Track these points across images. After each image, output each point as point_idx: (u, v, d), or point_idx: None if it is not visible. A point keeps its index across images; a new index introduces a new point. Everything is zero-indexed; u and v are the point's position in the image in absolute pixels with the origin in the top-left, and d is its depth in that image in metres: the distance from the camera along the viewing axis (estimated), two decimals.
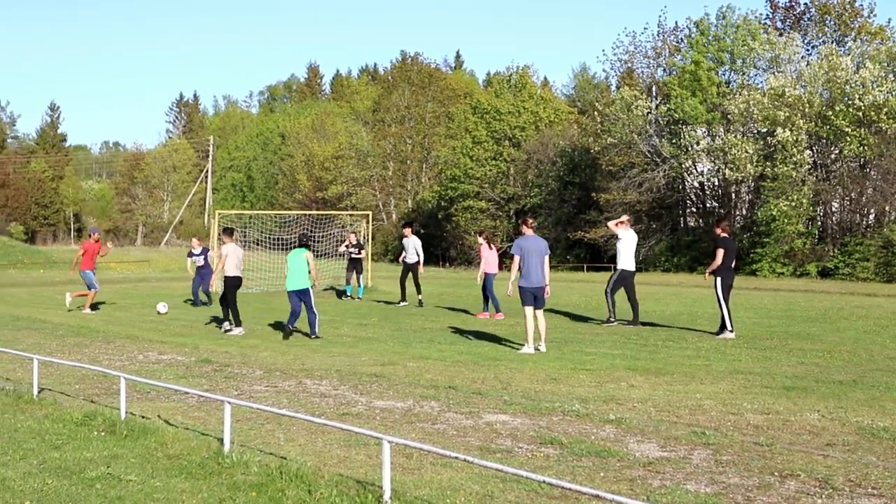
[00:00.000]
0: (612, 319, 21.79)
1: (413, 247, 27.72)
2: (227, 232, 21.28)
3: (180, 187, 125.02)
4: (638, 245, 23.70)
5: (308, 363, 14.60)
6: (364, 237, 37.41)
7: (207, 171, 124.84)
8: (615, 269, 22.52)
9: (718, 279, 18.74)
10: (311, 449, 8.75)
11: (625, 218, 22.96)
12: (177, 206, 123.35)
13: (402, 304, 27.88)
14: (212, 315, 24.04)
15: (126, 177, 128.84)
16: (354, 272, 30.96)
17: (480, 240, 24.91)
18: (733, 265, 19.24)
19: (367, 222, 38.24)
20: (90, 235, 27.90)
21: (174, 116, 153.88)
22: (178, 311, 25.95)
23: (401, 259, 28.84)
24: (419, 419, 10.11)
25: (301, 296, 19.48)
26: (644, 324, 21.52)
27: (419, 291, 27.74)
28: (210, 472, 7.90)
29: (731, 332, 18.64)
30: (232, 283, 20.41)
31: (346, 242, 31.46)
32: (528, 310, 16.49)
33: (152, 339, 18.50)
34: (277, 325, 21.41)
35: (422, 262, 28.01)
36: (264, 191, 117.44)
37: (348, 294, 31.03)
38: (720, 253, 18.76)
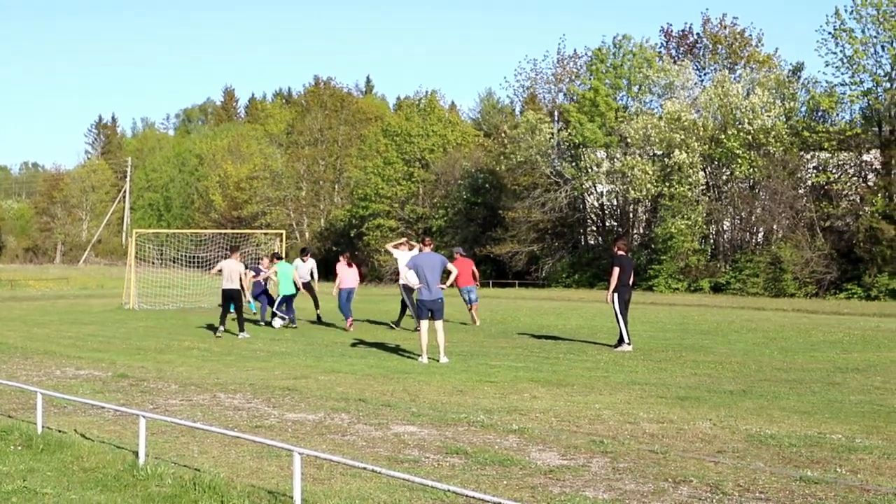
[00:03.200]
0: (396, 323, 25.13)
1: (309, 269, 28.02)
2: (232, 249, 24.98)
3: (98, 207, 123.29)
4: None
5: (222, 377, 14.68)
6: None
7: (125, 192, 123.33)
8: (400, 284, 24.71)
9: (615, 294, 19.22)
10: (225, 461, 8.82)
11: (403, 240, 25.77)
12: (95, 225, 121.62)
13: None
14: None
15: (45, 196, 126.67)
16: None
17: (341, 258, 26.43)
18: (630, 282, 19.72)
19: (281, 241, 38.31)
20: (458, 255, 26.90)
21: (93, 138, 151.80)
22: (95, 328, 25.72)
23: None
24: (330, 431, 10.24)
25: (287, 299, 25.67)
26: (545, 337, 21.99)
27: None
28: (125, 484, 7.95)
29: (629, 345, 19.07)
30: (225, 294, 23.52)
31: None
32: (424, 323, 17.30)
33: (70, 354, 18.38)
34: (197, 340, 21.46)
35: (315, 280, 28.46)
36: (181, 210, 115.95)
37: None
38: (616, 271, 19.18)
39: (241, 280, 23.59)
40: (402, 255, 24.20)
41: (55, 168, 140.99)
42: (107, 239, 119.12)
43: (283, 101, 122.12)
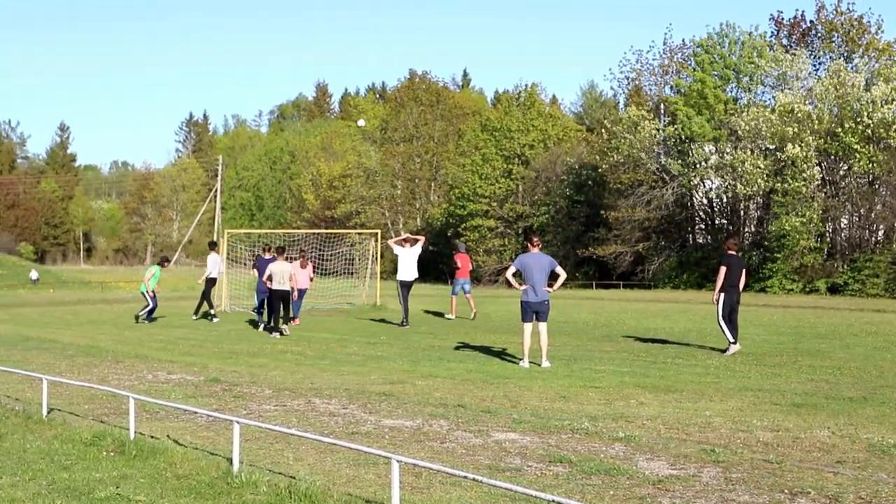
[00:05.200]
0: (404, 323, 26.33)
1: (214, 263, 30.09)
2: (279, 250, 25.11)
3: (189, 206, 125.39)
4: (420, 258, 27.74)
5: (317, 382, 14.56)
6: (372, 256, 37.63)
7: (216, 191, 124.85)
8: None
9: (722, 295, 18.70)
10: (321, 468, 8.72)
11: (404, 236, 28.23)
12: (186, 225, 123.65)
13: (215, 320, 29.40)
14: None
15: (135, 196, 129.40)
16: None
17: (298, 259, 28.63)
18: (741, 283, 19.17)
19: (376, 241, 38.34)
20: (461, 250, 30.77)
21: (184, 136, 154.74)
22: (187, 331, 25.95)
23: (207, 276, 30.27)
24: (428, 438, 10.08)
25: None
26: (652, 340, 21.55)
27: (210, 306, 30.11)
28: (219, 492, 7.89)
29: (735, 344, 18.55)
30: (276, 294, 24.00)
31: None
32: (527, 326, 16.88)
33: (161, 358, 18.48)
34: (291, 343, 21.46)
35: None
36: (273, 210, 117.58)
37: None
38: (723, 270, 18.68)
39: (290, 280, 24.42)
40: (402, 252, 26.81)
41: (145, 167, 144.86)
42: (198, 239, 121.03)
43: (377, 96, 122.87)
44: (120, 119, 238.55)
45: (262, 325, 25.89)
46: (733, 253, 19.17)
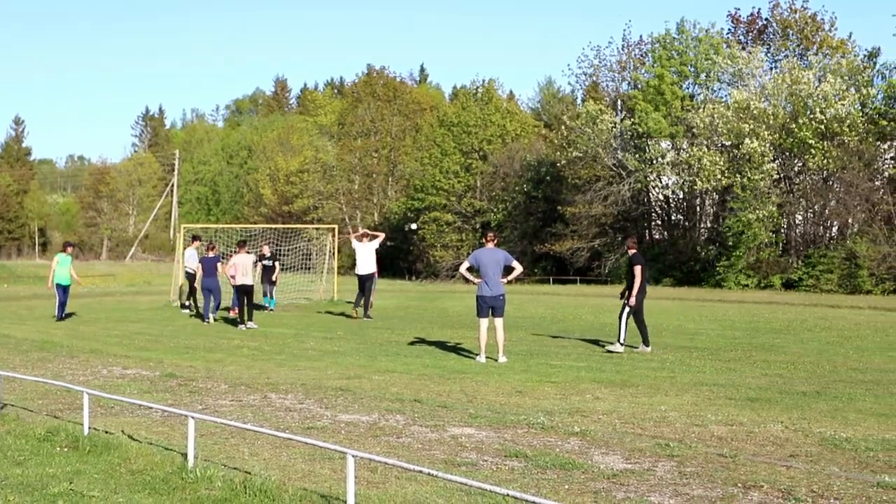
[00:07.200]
0: (360, 316, 27.16)
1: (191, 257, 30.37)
2: (240, 244, 26.00)
3: (146, 201, 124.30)
4: (377, 252, 28.15)
5: (273, 377, 14.50)
6: (329, 251, 37.53)
7: (173, 185, 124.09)
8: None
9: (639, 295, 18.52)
10: (276, 463, 8.68)
11: (361, 232, 29.16)
12: (142, 219, 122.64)
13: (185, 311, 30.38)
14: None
15: (91, 191, 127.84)
16: (269, 283, 31.40)
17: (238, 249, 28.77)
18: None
19: (333, 236, 38.22)
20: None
21: (140, 130, 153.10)
22: (143, 326, 25.77)
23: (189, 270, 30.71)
24: (384, 433, 10.06)
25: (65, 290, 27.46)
26: (608, 336, 21.61)
27: (187, 297, 30.95)
28: (174, 487, 7.83)
29: (622, 345, 18.39)
30: (240, 289, 24.61)
31: (260, 254, 31.34)
32: (483, 321, 16.90)
33: (117, 353, 18.32)
34: (247, 338, 21.35)
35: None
36: (230, 205, 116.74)
37: (268, 307, 30.99)
38: (638, 269, 18.43)
39: (253, 274, 25.05)
40: (359, 246, 27.66)
41: (101, 161, 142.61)
42: (154, 234, 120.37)
43: (335, 91, 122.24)
44: (76, 113, 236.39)
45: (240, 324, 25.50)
46: (636, 251, 18.95)
